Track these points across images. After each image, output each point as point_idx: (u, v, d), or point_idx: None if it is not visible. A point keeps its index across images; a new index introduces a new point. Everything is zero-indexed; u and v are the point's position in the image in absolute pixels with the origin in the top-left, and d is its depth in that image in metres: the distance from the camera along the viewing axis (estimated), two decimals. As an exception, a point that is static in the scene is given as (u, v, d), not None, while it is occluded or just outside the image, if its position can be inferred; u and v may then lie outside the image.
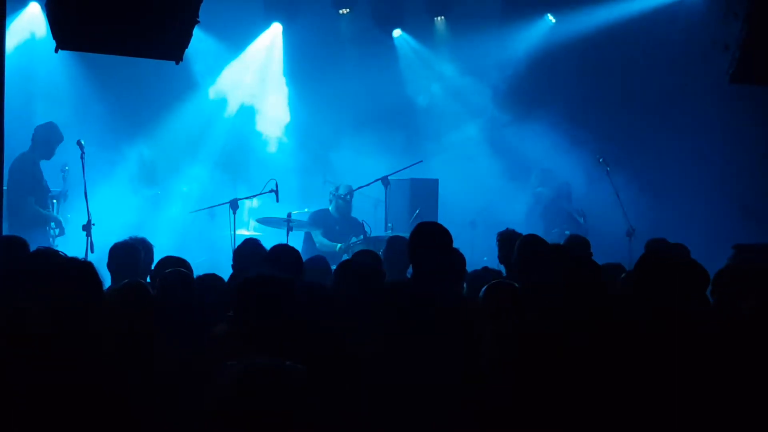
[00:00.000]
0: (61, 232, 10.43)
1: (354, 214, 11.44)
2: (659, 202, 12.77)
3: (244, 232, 11.11)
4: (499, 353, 4.43)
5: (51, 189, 10.64)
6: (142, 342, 4.77)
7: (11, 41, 10.79)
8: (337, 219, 11.33)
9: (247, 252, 6.75)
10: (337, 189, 11.44)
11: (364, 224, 10.70)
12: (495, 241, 7.33)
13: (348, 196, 11.34)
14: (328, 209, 11.44)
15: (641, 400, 4.20)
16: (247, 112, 13.51)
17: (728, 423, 4.30)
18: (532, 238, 6.49)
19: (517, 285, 4.82)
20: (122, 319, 4.89)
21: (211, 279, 5.93)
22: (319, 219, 11.26)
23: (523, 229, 8.06)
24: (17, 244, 6.22)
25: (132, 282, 5.20)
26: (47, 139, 10.51)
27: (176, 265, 6.31)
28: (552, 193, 12.29)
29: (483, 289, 4.80)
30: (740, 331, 4.69)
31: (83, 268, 4.56)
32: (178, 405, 4.30)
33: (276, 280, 4.15)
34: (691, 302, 4.82)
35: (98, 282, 4.54)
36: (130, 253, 6.73)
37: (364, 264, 6.14)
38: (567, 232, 11.11)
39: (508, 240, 7.03)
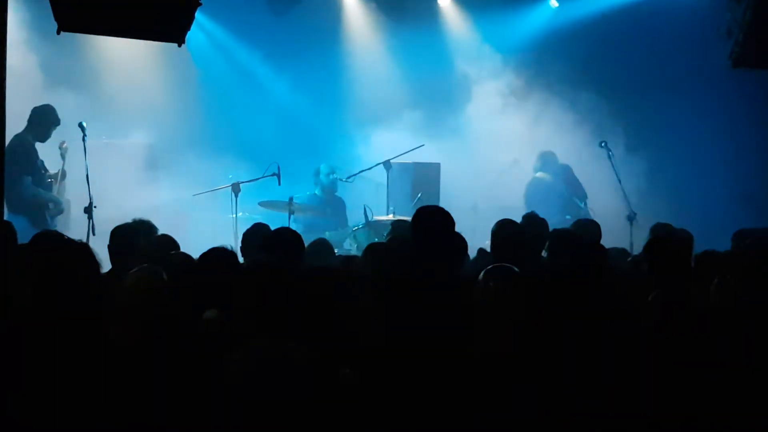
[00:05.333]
0: (60, 212, 10.41)
1: (355, 198, 11.49)
2: (660, 186, 12.76)
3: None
4: (500, 338, 4.44)
5: (48, 169, 10.62)
6: (150, 327, 4.74)
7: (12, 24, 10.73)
8: (327, 200, 11.46)
9: (256, 236, 6.78)
10: (318, 172, 11.59)
11: (366, 209, 10.70)
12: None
13: (331, 175, 11.51)
14: (315, 193, 11.59)
15: (649, 391, 4.19)
16: (250, 95, 13.48)
17: (733, 418, 4.30)
18: (535, 219, 6.49)
19: (516, 269, 4.81)
20: (134, 304, 4.88)
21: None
22: (311, 204, 11.49)
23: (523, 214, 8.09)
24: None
25: (146, 266, 5.17)
26: (43, 121, 10.44)
27: (163, 243, 6.37)
28: (553, 177, 12.27)
29: (482, 272, 4.79)
30: (739, 319, 4.70)
31: (80, 250, 4.53)
32: (184, 394, 4.29)
33: (270, 267, 4.16)
34: (695, 290, 4.83)
35: (96, 264, 4.50)
36: (128, 236, 6.74)
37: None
38: (568, 217, 11.12)
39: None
